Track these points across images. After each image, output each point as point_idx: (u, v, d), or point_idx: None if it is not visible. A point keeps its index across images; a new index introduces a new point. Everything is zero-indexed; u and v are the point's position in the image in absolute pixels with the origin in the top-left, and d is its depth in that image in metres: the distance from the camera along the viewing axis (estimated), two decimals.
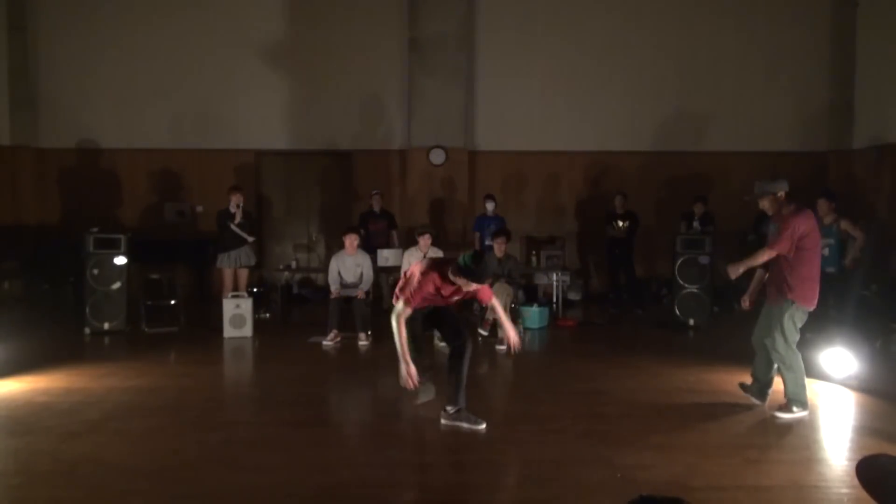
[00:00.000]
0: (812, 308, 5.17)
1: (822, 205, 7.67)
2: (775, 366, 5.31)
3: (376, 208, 9.98)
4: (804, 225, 5.11)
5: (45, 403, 5.44)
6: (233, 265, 9.00)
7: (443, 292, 4.89)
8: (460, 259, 4.71)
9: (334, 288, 7.97)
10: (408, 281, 4.91)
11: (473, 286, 4.79)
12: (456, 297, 5.02)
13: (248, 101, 11.10)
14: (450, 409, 4.99)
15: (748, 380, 5.56)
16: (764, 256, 5.18)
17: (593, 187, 11.32)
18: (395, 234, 10.06)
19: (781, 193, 5.20)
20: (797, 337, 5.17)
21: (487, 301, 5.26)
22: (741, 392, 5.53)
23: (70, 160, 11.18)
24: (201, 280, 10.69)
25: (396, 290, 5.06)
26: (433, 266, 4.89)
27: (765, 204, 5.26)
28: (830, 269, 7.49)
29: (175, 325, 8.43)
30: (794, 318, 5.12)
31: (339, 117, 11.23)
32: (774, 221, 5.30)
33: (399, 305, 4.82)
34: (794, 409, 5.13)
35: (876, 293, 8.56)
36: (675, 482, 3.95)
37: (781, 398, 5.28)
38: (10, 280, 9.68)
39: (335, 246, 9.88)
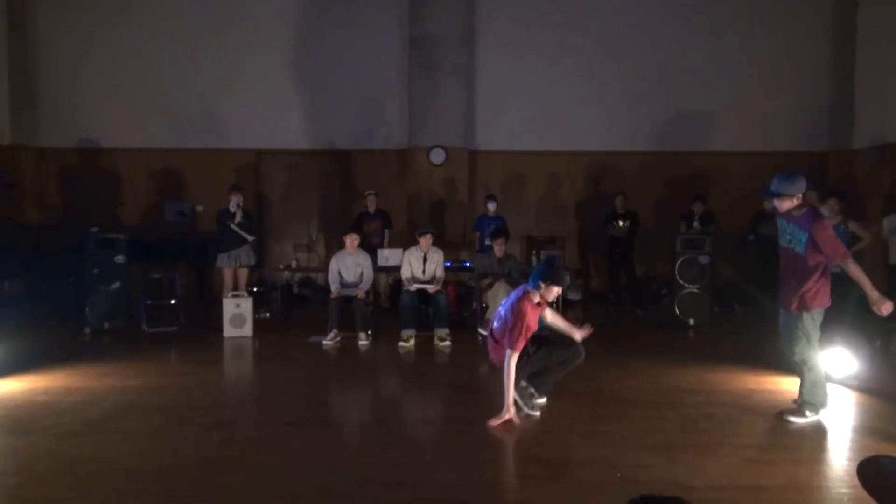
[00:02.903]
0: (828, 305, 5.04)
1: (834, 204, 7.65)
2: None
3: (371, 209, 9.95)
4: (830, 226, 5.02)
5: (45, 403, 5.44)
6: (232, 265, 9.01)
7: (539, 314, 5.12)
8: (534, 276, 5.03)
9: (334, 287, 7.97)
10: (512, 328, 4.97)
11: (555, 293, 5.07)
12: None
13: (249, 101, 11.11)
14: (523, 384, 5.22)
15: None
16: (855, 267, 4.85)
17: (593, 187, 11.32)
18: (387, 233, 10.03)
19: (801, 195, 4.97)
20: (818, 335, 5.06)
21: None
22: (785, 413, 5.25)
23: (70, 160, 11.18)
24: (201, 280, 10.70)
25: (499, 337, 5.15)
26: (523, 304, 4.99)
27: (783, 204, 4.99)
28: (835, 270, 7.48)
29: (175, 324, 8.43)
30: (813, 319, 5.02)
31: (339, 117, 11.23)
32: (786, 219, 5.05)
33: (509, 352, 4.97)
34: (808, 412, 5.04)
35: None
36: (675, 482, 3.95)
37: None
38: (10, 279, 9.67)
39: (335, 245, 9.88)
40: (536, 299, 5.06)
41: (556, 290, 5.07)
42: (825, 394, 5.12)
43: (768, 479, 4.04)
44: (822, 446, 4.74)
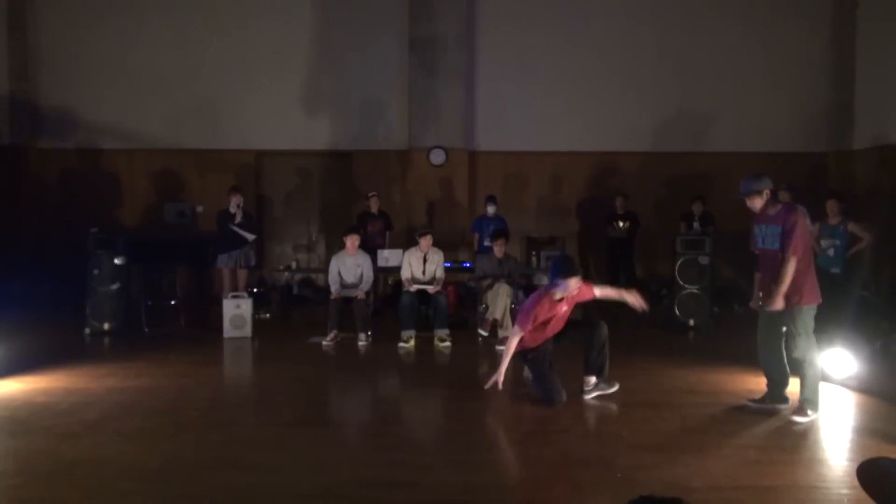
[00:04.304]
0: (820, 301, 5.11)
1: (833, 205, 7.69)
2: (786, 363, 5.27)
3: (374, 209, 9.95)
4: (804, 221, 5.08)
5: (45, 403, 5.44)
6: (232, 265, 9.01)
7: (558, 311, 5.45)
8: (551, 273, 5.47)
9: (334, 288, 7.96)
10: (523, 309, 5.53)
11: (573, 284, 5.34)
12: (566, 309, 5.54)
13: (249, 102, 11.11)
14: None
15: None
16: (792, 268, 5.00)
17: (593, 188, 11.32)
18: (388, 234, 10.04)
19: (768, 191, 5.18)
20: (812, 329, 5.10)
21: (591, 297, 5.69)
22: (752, 405, 5.33)
23: (70, 160, 11.18)
24: (201, 280, 10.69)
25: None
26: (539, 294, 5.48)
27: (754, 202, 5.21)
28: (835, 270, 7.51)
29: (175, 325, 8.43)
30: (810, 315, 5.07)
31: (339, 117, 11.23)
32: (761, 221, 5.24)
33: (516, 329, 5.47)
34: (809, 412, 5.03)
35: (876, 293, 8.57)
36: (675, 482, 3.95)
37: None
38: (10, 280, 9.67)
39: (335, 246, 9.89)
40: (558, 296, 5.38)
41: (573, 283, 5.34)
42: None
43: (768, 479, 4.04)
44: (821, 447, 4.74)
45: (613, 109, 11.17)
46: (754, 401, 5.38)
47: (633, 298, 5.63)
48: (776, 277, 5.08)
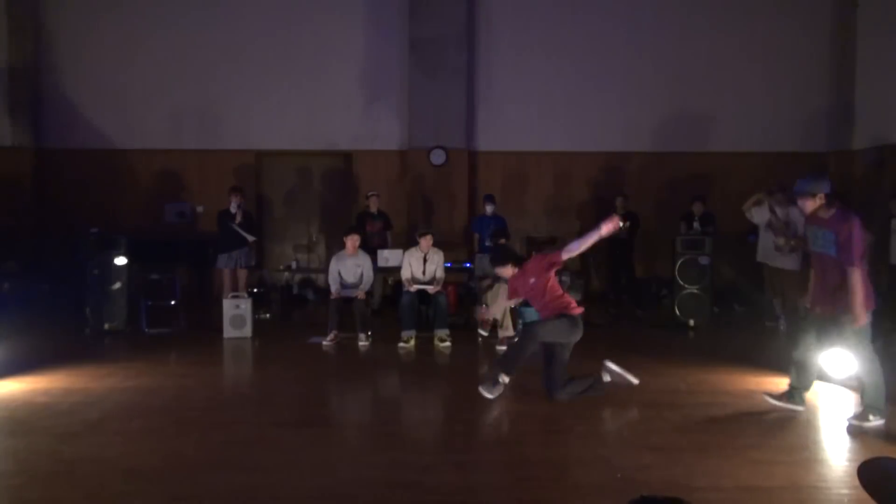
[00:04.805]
0: (874, 307, 4.96)
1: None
2: (814, 371, 5.20)
3: (373, 209, 9.96)
4: (859, 229, 4.85)
5: (45, 403, 5.44)
6: (232, 266, 9.01)
7: (528, 284, 5.72)
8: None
9: (334, 288, 7.96)
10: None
11: (507, 272, 5.92)
12: (534, 281, 5.70)
13: (249, 102, 11.11)
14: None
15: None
16: (858, 278, 4.75)
17: (593, 188, 11.32)
18: (388, 234, 10.05)
19: (822, 195, 4.95)
20: (868, 336, 4.96)
21: (559, 262, 5.67)
22: (771, 403, 5.27)
23: (70, 160, 11.17)
24: (201, 281, 10.69)
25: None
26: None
27: (806, 203, 4.99)
28: None
29: (175, 325, 8.43)
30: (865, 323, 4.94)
31: (339, 117, 11.23)
32: (813, 223, 5.04)
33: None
34: (871, 417, 4.90)
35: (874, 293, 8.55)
36: (675, 482, 3.95)
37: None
38: (10, 280, 9.66)
39: (335, 246, 9.88)
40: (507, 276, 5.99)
41: (506, 271, 5.92)
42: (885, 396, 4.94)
43: (769, 479, 4.04)
44: (822, 446, 4.74)
45: (613, 109, 11.17)
46: (773, 396, 5.31)
47: (607, 227, 5.36)
48: (833, 281, 4.91)
